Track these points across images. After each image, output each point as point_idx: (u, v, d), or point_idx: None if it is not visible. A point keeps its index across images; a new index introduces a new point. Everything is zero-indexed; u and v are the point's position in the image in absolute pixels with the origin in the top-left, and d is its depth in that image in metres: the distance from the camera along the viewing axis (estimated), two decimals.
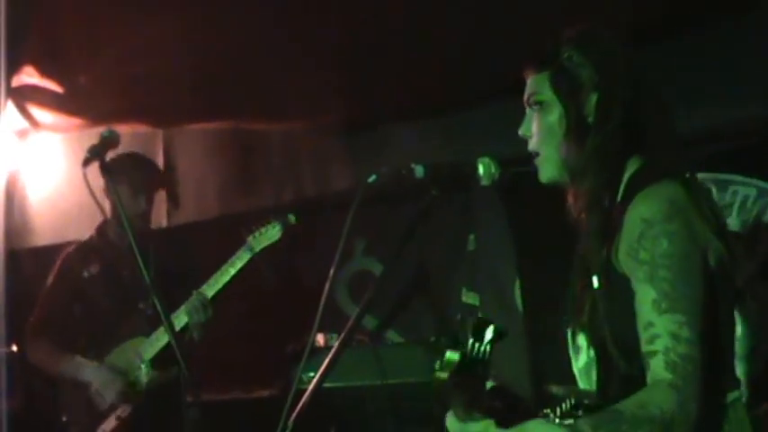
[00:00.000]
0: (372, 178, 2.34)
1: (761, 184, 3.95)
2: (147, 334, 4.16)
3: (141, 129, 4.95)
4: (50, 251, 5.19)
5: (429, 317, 4.73)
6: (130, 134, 4.57)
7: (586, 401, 1.91)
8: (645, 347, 1.99)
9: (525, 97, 2.29)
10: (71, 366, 4.25)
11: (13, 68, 4.11)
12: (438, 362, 1.88)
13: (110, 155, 3.26)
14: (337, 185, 4.93)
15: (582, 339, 2.22)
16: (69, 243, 4.67)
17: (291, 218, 4.16)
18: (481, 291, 4.49)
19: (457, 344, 1.86)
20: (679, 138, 2.28)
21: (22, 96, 4.58)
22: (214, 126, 5.04)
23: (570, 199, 2.27)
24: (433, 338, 4.22)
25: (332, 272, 2.37)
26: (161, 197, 4.88)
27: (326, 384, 2.24)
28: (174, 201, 4.77)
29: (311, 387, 2.22)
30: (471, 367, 1.85)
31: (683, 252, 2.03)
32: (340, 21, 3.91)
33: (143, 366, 4.14)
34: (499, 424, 1.88)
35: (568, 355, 2.27)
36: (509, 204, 4.33)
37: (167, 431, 4.14)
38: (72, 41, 4.15)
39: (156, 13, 3.87)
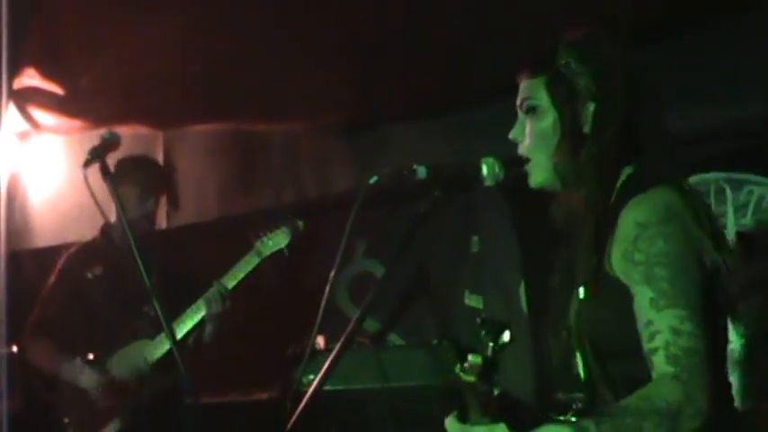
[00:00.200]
0: (374, 179, 2.32)
1: None
2: (152, 336, 4.15)
3: (142, 130, 4.96)
4: (51, 252, 5.19)
5: (431, 319, 4.72)
6: (131, 136, 4.57)
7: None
8: (646, 346, 1.99)
9: (518, 101, 2.28)
10: (69, 369, 4.24)
11: (14, 70, 4.11)
12: (458, 365, 1.89)
13: (112, 157, 3.26)
14: (338, 186, 4.93)
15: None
16: (70, 244, 4.67)
17: (300, 224, 4.16)
18: (485, 293, 4.48)
19: (456, 347, 1.86)
20: (674, 143, 2.28)
21: (24, 98, 4.59)
22: (214, 127, 5.04)
23: (557, 206, 2.28)
24: (434, 341, 4.21)
25: (332, 274, 2.37)
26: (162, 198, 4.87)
27: (327, 387, 2.24)
28: (173, 202, 4.77)
29: (311, 390, 2.21)
30: (491, 371, 1.87)
31: (678, 251, 2.03)
32: (340, 21, 3.91)
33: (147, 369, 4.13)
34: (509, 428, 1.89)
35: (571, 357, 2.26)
36: (513, 205, 4.32)
37: None
38: (72, 43, 4.15)
39: (155, 15, 3.87)
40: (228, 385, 4.82)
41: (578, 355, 2.16)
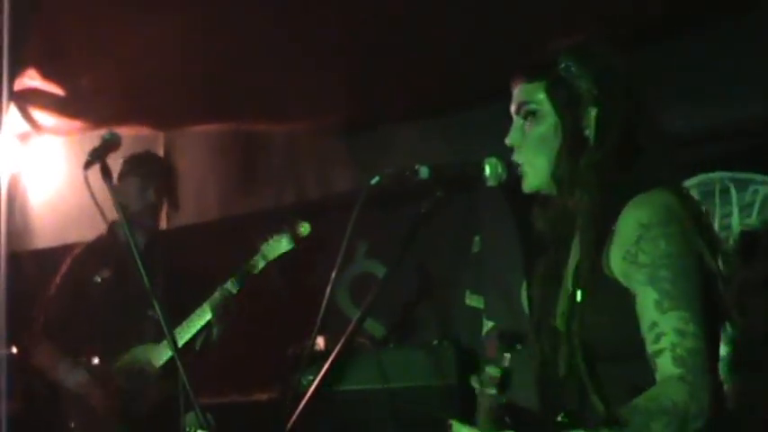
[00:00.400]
0: (375, 180, 2.30)
1: None
2: (158, 340, 4.12)
3: (142, 131, 4.96)
4: (51, 253, 5.20)
5: (432, 320, 4.71)
6: (132, 136, 4.58)
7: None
8: (651, 347, 2.01)
9: (515, 106, 2.28)
10: (70, 374, 4.23)
11: (15, 72, 4.11)
12: (476, 378, 1.93)
13: (113, 158, 3.26)
14: (339, 187, 4.93)
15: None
16: (69, 245, 4.67)
17: (306, 228, 4.13)
18: (486, 293, 4.48)
19: (457, 348, 1.89)
20: (671, 145, 2.28)
21: (25, 99, 4.59)
22: (215, 128, 5.04)
23: (548, 209, 2.28)
24: (435, 341, 4.21)
25: (333, 274, 2.37)
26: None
27: (327, 388, 2.23)
28: (174, 203, 4.76)
29: (311, 390, 2.21)
30: (507, 381, 1.92)
31: (680, 252, 2.04)
32: (340, 21, 3.91)
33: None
34: None
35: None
36: (515, 205, 4.31)
37: None
38: (73, 44, 4.15)
39: (155, 15, 3.87)
40: (227, 386, 4.81)
41: (565, 356, 2.16)
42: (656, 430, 1.91)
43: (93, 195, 3.03)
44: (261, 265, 4.11)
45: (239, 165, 5.21)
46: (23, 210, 5.40)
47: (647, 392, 1.97)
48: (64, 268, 4.43)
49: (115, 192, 3.09)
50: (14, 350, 4.66)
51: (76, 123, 4.78)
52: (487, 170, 2.31)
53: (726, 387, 2.18)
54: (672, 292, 2.00)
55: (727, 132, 3.93)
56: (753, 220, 3.85)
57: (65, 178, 5.28)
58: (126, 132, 3.61)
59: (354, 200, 2.29)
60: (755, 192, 3.87)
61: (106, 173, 3.15)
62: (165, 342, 4.10)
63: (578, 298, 2.13)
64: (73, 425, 4.22)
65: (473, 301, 4.54)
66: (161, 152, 5.20)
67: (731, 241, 3.83)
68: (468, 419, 1.95)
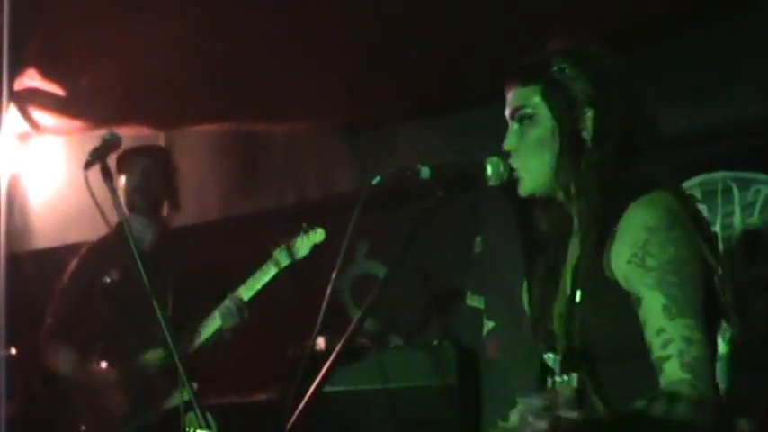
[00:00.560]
0: (376, 180, 2.29)
1: None
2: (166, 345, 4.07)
3: (143, 131, 4.95)
4: (51, 254, 5.20)
5: (433, 320, 4.71)
6: (132, 136, 4.57)
7: None
8: (658, 353, 2.02)
9: (509, 111, 2.27)
10: (84, 375, 4.20)
11: (15, 72, 4.11)
12: (529, 401, 1.89)
13: (113, 158, 3.26)
14: (340, 187, 4.93)
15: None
16: (69, 245, 4.66)
17: (321, 234, 4.03)
18: (487, 294, 4.47)
19: (458, 348, 1.89)
20: (667, 146, 2.29)
21: (24, 99, 4.59)
22: (215, 128, 5.04)
23: (547, 212, 2.28)
24: (435, 342, 4.21)
25: (334, 275, 2.37)
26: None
27: (327, 388, 2.23)
28: (174, 203, 4.76)
29: (311, 391, 2.21)
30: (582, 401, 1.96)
31: (686, 257, 2.06)
32: (340, 21, 3.91)
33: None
34: None
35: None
36: (517, 206, 4.30)
37: None
38: (73, 44, 4.15)
39: (155, 15, 3.87)
40: (227, 386, 4.80)
41: (564, 356, 2.17)
42: (682, 411, 1.93)
43: (93, 195, 3.03)
44: (273, 272, 4.04)
45: (240, 165, 5.20)
46: (23, 210, 5.40)
47: (657, 389, 1.99)
48: (71, 268, 4.41)
49: (114, 192, 3.09)
50: (14, 350, 4.66)
51: (76, 123, 4.78)
52: (489, 170, 2.30)
53: (724, 387, 2.20)
54: (679, 297, 2.03)
55: (728, 132, 3.94)
56: (755, 219, 3.85)
57: (65, 178, 5.28)
58: (126, 132, 3.62)
59: (355, 200, 2.28)
60: (758, 191, 3.87)
61: (106, 173, 3.15)
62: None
63: (578, 298, 2.14)
64: (84, 428, 4.20)
65: (474, 301, 4.53)
66: None
67: (733, 241, 3.83)
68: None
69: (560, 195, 2.26)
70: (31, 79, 4.37)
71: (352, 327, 2.27)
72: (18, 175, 5.30)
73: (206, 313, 4.10)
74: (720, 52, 3.85)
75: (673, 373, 1.99)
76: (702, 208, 3.78)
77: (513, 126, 2.27)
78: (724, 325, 2.21)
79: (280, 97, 4.46)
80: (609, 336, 2.11)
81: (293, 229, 4.17)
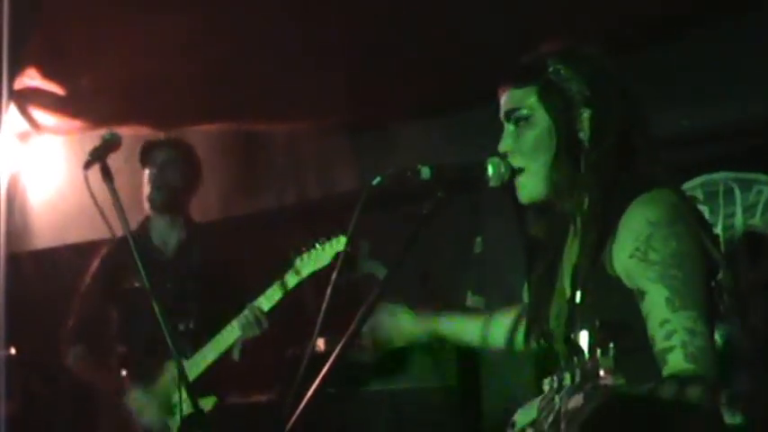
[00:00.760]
0: (377, 180, 2.29)
1: None
2: (187, 355, 3.95)
3: (143, 131, 4.95)
4: (51, 254, 5.20)
5: None
6: (132, 136, 4.57)
7: None
8: (661, 344, 2.03)
9: (504, 112, 2.27)
10: (109, 382, 4.16)
11: (15, 71, 4.11)
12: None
13: (113, 158, 3.25)
14: (340, 187, 4.93)
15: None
16: (69, 245, 4.65)
17: (342, 242, 3.78)
18: (488, 294, 4.47)
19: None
20: (668, 149, 2.30)
21: (24, 99, 4.59)
22: (216, 128, 5.04)
23: (546, 214, 2.29)
24: (436, 343, 4.20)
25: (334, 275, 2.37)
26: None
27: (326, 389, 2.23)
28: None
29: (311, 392, 2.21)
30: None
31: (688, 251, 2.08)
32: (340, 21, 3.91)
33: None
34: None
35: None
36: (518, 206, 4.27)
37: None
38: (73, 44, 4.15)
39: (155, 15, 3.87)
40: (226, 387, 4.80)
41: (563, 356, 2.17)
42: (692, 394, 1.92)
43: (93, 195, 3.04)
44: (294, 281, 3.88)
45: (240, 165, 5.20)
46: (23, 210, 5.39)
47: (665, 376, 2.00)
48: (93, 268, 4.32)
49: (115, 192, 3.09)
50: (13, 350, 4.66)
51: (76, 123, 4.78)
52: (490, 170, 2.29)
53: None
54: (682, 290, 2.04)
55: (728, 132, 3.94)
56: (756, 220, 3.84)
57: (65, 178, 5.28)
58: (126, 132, 3.61)
59: (355, 200, 2.28)
60: (759, 192, 3.86)
61: (106, 173, 3.15)
62: (193, 358, 4.00)
63: (578, 299, 2.14)
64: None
65: (474, 301, 4.53)
66: None
67: (735, 242, 3.83)
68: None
69: (559, 200, 2.26)
70: (31, 79, 4.37)
71: (352, 327, 2.27)
72: (18, 175, 5.29)
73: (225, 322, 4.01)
74: (720, 52, 3.85)
75: (677, 363, 2.00)
76: (704, 209, 3.78)
77: (509, 128, 2.27)
78: (724, 325, 2.22)
79: (280, 97, 4.46)
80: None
81: (293, 228, 4.16)
